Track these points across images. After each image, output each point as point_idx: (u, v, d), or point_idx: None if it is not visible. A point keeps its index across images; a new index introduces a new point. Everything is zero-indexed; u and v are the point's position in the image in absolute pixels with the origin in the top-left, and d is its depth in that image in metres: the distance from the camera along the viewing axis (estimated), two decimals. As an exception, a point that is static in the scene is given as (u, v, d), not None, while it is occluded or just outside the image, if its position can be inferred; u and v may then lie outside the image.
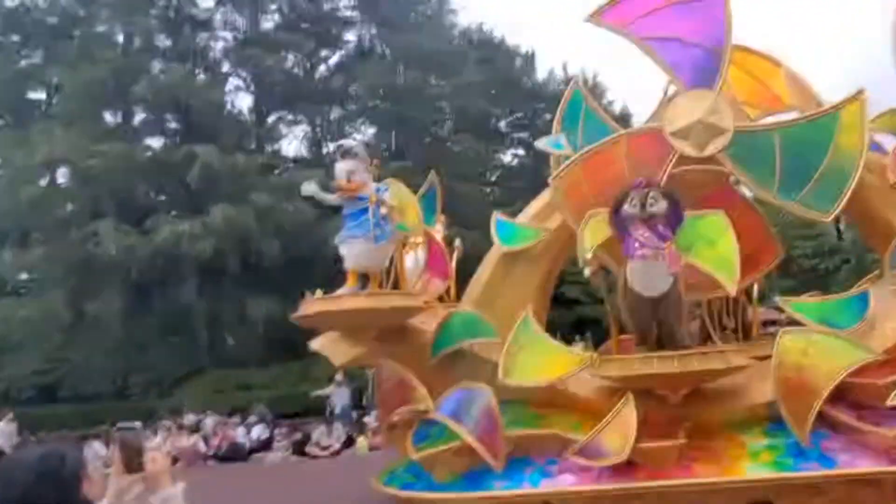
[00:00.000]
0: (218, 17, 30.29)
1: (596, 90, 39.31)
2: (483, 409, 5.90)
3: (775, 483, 5.49)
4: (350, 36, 33.42)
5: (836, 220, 12.86)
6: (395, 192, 6.68)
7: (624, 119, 37.31)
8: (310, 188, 6.75)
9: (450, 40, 33.86)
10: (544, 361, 5.92)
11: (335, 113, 30.97)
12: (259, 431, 19.85)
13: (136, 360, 23.30)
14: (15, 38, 27.00)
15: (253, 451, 19.09)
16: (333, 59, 33.17)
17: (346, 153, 6.56)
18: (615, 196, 5.70)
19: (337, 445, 18.03)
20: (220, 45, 30.25)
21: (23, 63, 27.03)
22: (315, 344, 7.33)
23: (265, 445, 19.09)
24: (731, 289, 5.59)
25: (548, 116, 36.49)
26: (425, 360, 6.51)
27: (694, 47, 6.36)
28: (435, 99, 31.21)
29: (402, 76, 31.04)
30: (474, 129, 32.42)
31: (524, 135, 37.08)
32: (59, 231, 24.24)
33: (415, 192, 29.10)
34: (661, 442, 5.61)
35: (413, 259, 7.60)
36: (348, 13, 33.21)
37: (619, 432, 5.50)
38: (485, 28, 37.74)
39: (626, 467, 5.57)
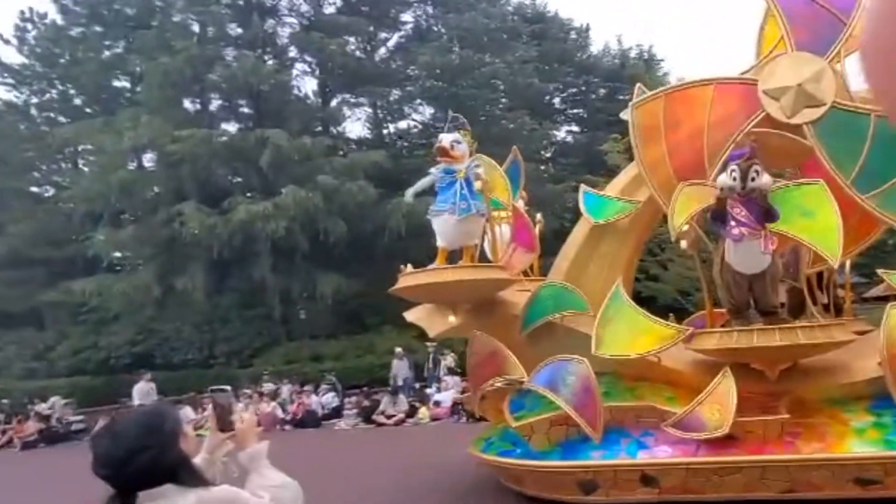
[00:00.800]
0: (283, 2, 31.14)
1: (651, 62, 38.88)
2: (581, 380, 5.83)
3: (885, 461, 5.23)
4: (407, 17, 33.81)
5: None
6: (486, 168, 6.92)
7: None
8: (409, 193, 7.32)
9: (503, 17, 33.81)
10: (636, 334, 5.84)
11: (394, 94, 31.56)
12: (330, 400, 21.14)
13: (219, 332, 24.77)
14: (98, 28, 28.24)
15: (325, 417, 20.39)
16: (392, 41, 33.74)
17: (457, 125, 6.82)
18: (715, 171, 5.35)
19: (401, 415, 19.13)
20: (286, 30, 31.12)
21: (106, 53, 28.33)
22: (410, 316, 7.60)
23: (336, 413, 20.52)
24: (835, 261, 5.35)
25: (602, 91, 36.46)
26: (515, 332, 6.52)
27: (820, 7, 5.89)
28: (489, 77, 31.27)
29: (458, 55, 31.24)
30: (528, 105, 32.47)
31: (579, 111, 37.03)
32: (147, 212, 25.84)
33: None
34: (764, 416, 5.47)
35: (498, 233, 7.69)
36: (405, -6, 33.62)
37: (719, 406, 5.38)
38: (538, 3, 37.52)
39: (725, 441, 5.46)
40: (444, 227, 6.46)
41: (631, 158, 29.33)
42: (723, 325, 6.16)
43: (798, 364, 5.74)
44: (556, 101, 36.81)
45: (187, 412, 20.87)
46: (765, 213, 5.32)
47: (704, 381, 5.62)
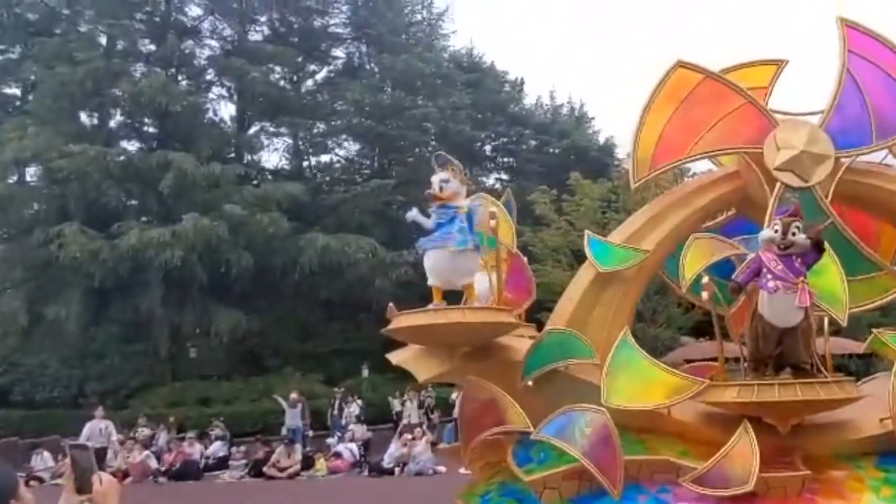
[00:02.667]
0: (206, 25, 30.02)
1: (582, 119, 39.14)
2: (598, 431, 5.62)
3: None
4: (339, 52, 33.36)
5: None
6: (488, 207, 6.70)
7: (608, 148, 37.06)
8: (412, 214, 6.57)
9: (439, 63, 33.58)
10: (647, 384, 5.79)
11: (319, 127, 30.30)
12: (216, 449, 19.17)
13: (92, 368, 22.30)
14: None
15: (208, 468, 18.34)
16: (321, 74, 33.02)
17: (442, 163, 6.37)
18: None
19: (296, 467, 17.32)
20: (205, 52, 29.97)
21: None
22: (395, 358, 7.07)
23: (221, 464, 18.43)
24: (843, 319, 5.89)
25: (532, 143, 36.17)
26: (513, 378, 6.21)
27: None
28: (420, 119, 30.70)
29: (389, 95, 30.60)
30: (458, 150, 31.60)
31: (509, 160, 36.75)
32: (22, 231, 23.35)
33: (391, 209, 28.01)
34: (786, 472, 5.47)
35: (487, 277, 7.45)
36: (339, 30, 33.05)
37: (740, 461, 5.34)
38: (474, 53, 37.54)
39: (747, 497, 5.37)
40: (437, 262, 6.13)
41: (558, 210, 27.80)
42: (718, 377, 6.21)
43: (805, 419, 5.86)
44: (487, 148, 36.51)
45: (44, 458, 18.04)
46: (804, 261, 5.61)
47: (715, 435, 5.64)
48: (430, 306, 6.19)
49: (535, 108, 38.73)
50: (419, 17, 35.00)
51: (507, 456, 6.12)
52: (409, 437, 18.27)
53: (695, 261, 6.02)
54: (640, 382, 5.77)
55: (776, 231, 5.53)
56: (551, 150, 36.14)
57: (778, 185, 6.31)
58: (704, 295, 6.06)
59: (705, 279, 5.96)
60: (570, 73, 69.35)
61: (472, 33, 56.45)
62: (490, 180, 36.91)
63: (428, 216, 6.49)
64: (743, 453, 5.35)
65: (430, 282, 6.27)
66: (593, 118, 39.09)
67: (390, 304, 6.43)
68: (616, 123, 71.27)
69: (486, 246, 6.65)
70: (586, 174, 27.19)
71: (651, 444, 5.92)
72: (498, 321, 6.24)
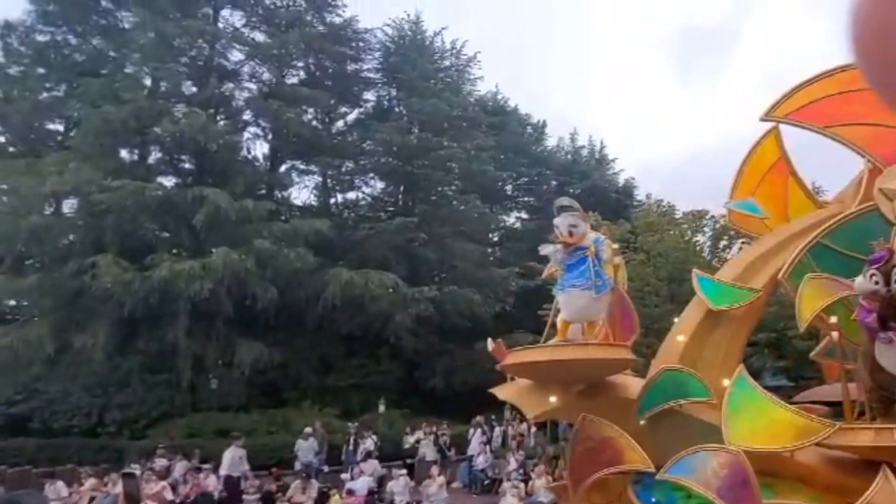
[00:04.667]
0: (246, 69, 29.23)
1: (602, 161, 37.72)
2: (736, 473, 5.10)
3: None
4: (370, 96, 32.63)
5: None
6: (607, 246, 6.38)
7: (628, 189, 35.43)
8: (547, 248, 6.39)
9: (465, 107, 32.66)
10: (772, 425, 5.27)
11: (347, 166, 29.32)
12: None
13: (114, 397, 21.10)
14: (40, 70, 25.79)
15: (222, 501, 16.97)
16: (352, 116, 32.23)
17: (565, 208, 6.16)
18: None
19: (309, 503, 15.65)
20: (244, 94, 29.16)
21: (44, 95, 25.76)
22: (502, 393, 6.77)
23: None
24: None
25: (553, 183, 34.79)
26: (625, 416, 5.88)
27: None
28: (445, 160, 29.69)
29: (416, 136, 29.65)
30: (481, 190, 30.86)
31: (530, 199, 35.49)
32: (56, 261, 22.45)
33: (413, 245, 25.97)
34: None
35: None
36: (371, 75, 32.22)
37: None
38: (499, 97, 36.55)
39: None
40: (577, 302, 5.94)
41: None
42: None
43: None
44: (509, 188, 35.32)
45: (58, 488, 16.73)
46: None
47: (842, 480, 5.14)
48: (553, 342, 6.01)
49: (557, 150, 37.72)
50: (447, 63, 34.08)
51: (614, 496, 5.77)
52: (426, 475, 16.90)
53: (811, 300, 5.49)
54: (765, 423, 5.25)
55: (876, 283, 4.88)
56: (572, 191, 34.70)
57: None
58: (835, 335, 5.49)
59: (833, 319, 5.42)
60: (591, 116, 68.18)
61: (497, 78, 55.81)
62: (511, 219, 35.81)
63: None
64: (885, 501, 4.78)
65: (563, 318, 6.04)
66: (614, 160, 37.79)
67: (498, 340, 6.31)
68: (636, 164, 69.95)
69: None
70: (606, 215, 25.68)
71: (779, 489, 5.35)
72: (621, 357, 5.97)
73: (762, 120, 6.37)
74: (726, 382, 5.59)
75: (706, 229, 25.99)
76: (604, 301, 6.02)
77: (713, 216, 25.15)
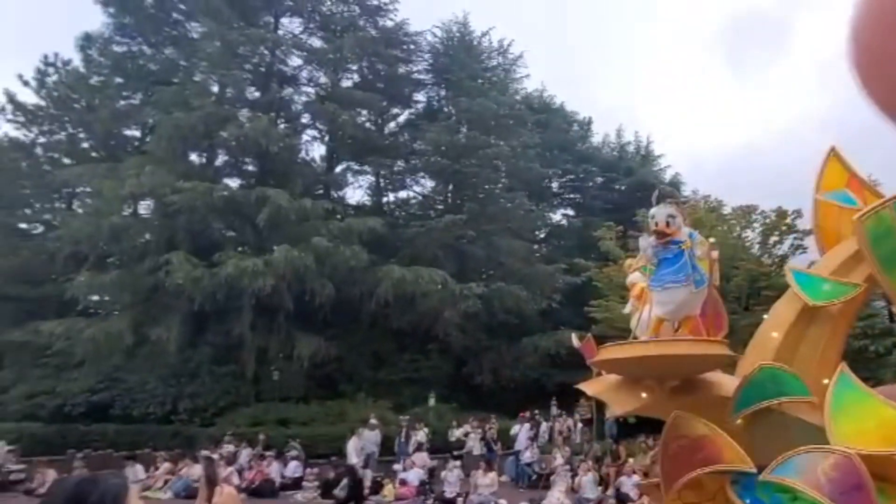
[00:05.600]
0: (304, 74, 29.71)
1: (648, 157, 36.72)
2: (849, 476, 4.73)
3: None
4: (420, 97, 32.61)
5: (889, 301, 10.72)
6: (702, 241, 6.03)
7: (674, 185, 34.37)
8: (645, 241, 5.98)
9: (512, 105, 32.19)
10: (884, 427, 4.85)
11: (398, 166, 29.38)
12: (294, 469, 18.23)
13: (186, 387, 21.88)
14: (119, 79, 26.70)
15: (284, 487, 17.43)
16: (403, 117, 32.30)
17: (665, 197, 5.71)
18: None
19: (365, 492, 16.02)
20: (302, 98, 29.62)
21: (122, 103, 26.66)
22: (589, 389, 6.43)
23: (296, 484, 17.58)
24: None
25: (599, 180, 34.09)
26: (719, 414, 5.53)
27: None
28: (492, 158, 29.45)
29: (464, 135, 29.50)
30: (527, 187, 30.54)
31: (576, 196, 34.85)
32: (134, 258, 23.34)
33: (462, 242, 25.91)
34: None
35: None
36: (421, 76, 32.16)
37: None
38: (545, 95, 35.89)
39: None
40: (675, 298, 5.63)
41: (623, 246, 25.22)
42: None
43: None
44: (555, 185, 34.69)
45: (136, 471, 17.48)
46: None
47: None
48: (655, 337, 5.72)
49: (602, 147, 36.87)
50: (494, 62, 33.72)
51: (708, 496, 5.53)
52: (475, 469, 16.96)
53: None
54: (874, 424, 4.86)
55: None
56: (617, 187, 34.02)
57: None
58: None
59: None
60: (638, 112, 66.42)
61: (543, 77, 54.77)
62: (557, 216, 35.30)
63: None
64: None
65: (659, 314, 5.71)
66: (660, 156, 36.77)
67: (588, 336, 6.13)
68: (679, 162, 67.83)
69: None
70: (652, 211, 25.05)
71: (892, 494, 4.88)
72: (719, 353, 5.65)
73: None
74: (826, 381, 5.25)
75: (755, 225, 25.04)
76: (701, 296, 5.75)
77: (763, 211, 24.23)
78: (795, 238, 24.22)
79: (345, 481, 15.53)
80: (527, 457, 18.81)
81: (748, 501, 5.23)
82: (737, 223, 24.64)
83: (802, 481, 4.84)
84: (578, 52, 71.30)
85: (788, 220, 23.89)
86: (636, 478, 15.48)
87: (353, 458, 17.34)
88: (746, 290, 22.09)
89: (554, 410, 22.26)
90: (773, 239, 24.34)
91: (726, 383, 5.88)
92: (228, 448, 18.73)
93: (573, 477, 16.60)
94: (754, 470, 5.08)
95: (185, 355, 22.04)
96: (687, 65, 75.13)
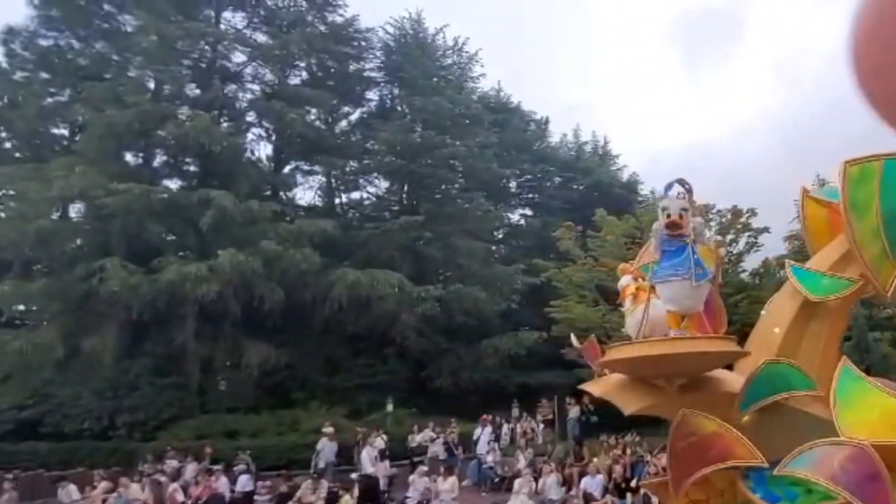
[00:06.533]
0: (248, 70, 29.39)
1: (606, 157, 37.67)
2: (864, 467, 4.87)
3: None
4: (373, 95, 32.73)
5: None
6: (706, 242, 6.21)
7: (632, 185, 35.39)
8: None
9: (468, 104, 32.73)
10: (885, 416, 5.06)
11: (351, 166, 29.36)
12: (244, 483, 17.81)
13: (124, 400, 21.19)
14: (44, 75, 25.79)
15: (234, 502, 17.05)
16: (355, 116, 32.31)
17: (680, 189, 5.86)
18: None
19: (319, 503, 15.77)
20: (247, 96, 29.38)
21: (49, 100, 25.78)
22: (595, 389, 6.55)
23: (247, 498, 17.10)
24: None
25: (557, 180, 34.80)
26: (726, 411, 5.72)
27: None
28: (448, 157, 29.80)
29: (420, 135, 29.71)
30: (485, 187, 30.95)
31: (533, 196, 35.48)
32: (64, 265, 22.57)
33: (419, 244, 26.14)
34: None
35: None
36: (373, 74, 32.30)
37: None
38: (502, 94, 36.52)
39: None
40: (679, 292, 5.80)
41: (582, 246, 25.79)
42: None
43: None
44: (512, 185, 35.34)
45: (70, 491, 16.86)
46: None
47: None
48: (674, 333, 5.85)
49: (560, 147, 37.75)
50: (449, 60, 34.17)
51: (716, 492, 5.74)
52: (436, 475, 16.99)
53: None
54: (880, 415, 5.06)
55: None
56: (575, 187, 34.80)
57: None
58: None
59: None
60: (596, 111, 68.09)
61: (499, 75, 55.74)
62: (515, 216, 35.88)
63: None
64: None
65: (668, 309, 5.89)
66: (617, 156, 37.84)
67: (591, 337, 6.23)
68: (636, 161, 69.80)
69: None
70: (610, 210, 25.79)
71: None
72: (732, 350, 5.87)
73: None
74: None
75: (712, 223, 26.01)
76: (703, 290, 5.90)
77: (719, 210, 25.15)
78: (750, 236, 25.28)
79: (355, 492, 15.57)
80: (489, 460, 18.98)
81: (761, 496, 5.40)
82: (692, 221, 25.55)
83: (819, 474, 5.00)
84: (534, 51, 72.86)
85: (743, 219, 24.93)
86: (599, 477, 15.91)
87: (369, 468, 17.26)
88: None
89: (515, 412, 22.50)
90: (729, 237, 25.27)
91: (731, 379, 6.13)
92: (172, 463, 18.28)
93: (536, 479, 16.82)
94: (766, 465, 5.24)
95: (122, 367, 21.41)
96: (644, 63, 77.63)
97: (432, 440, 19.60)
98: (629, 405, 6.20)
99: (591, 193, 33.13)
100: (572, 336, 6.27)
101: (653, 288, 6.20)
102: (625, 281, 6.63)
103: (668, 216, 5.66)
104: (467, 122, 31.44)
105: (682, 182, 5.91)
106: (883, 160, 5.64)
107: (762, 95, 73.54)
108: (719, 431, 5.48)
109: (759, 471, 5.36)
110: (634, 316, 6.51)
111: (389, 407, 21.84)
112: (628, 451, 18.33)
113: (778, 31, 71.72)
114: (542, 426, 21.87)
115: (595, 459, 17.52)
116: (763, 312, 6.72)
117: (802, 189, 6.73)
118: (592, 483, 15.70)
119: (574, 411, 21.79)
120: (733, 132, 68.40)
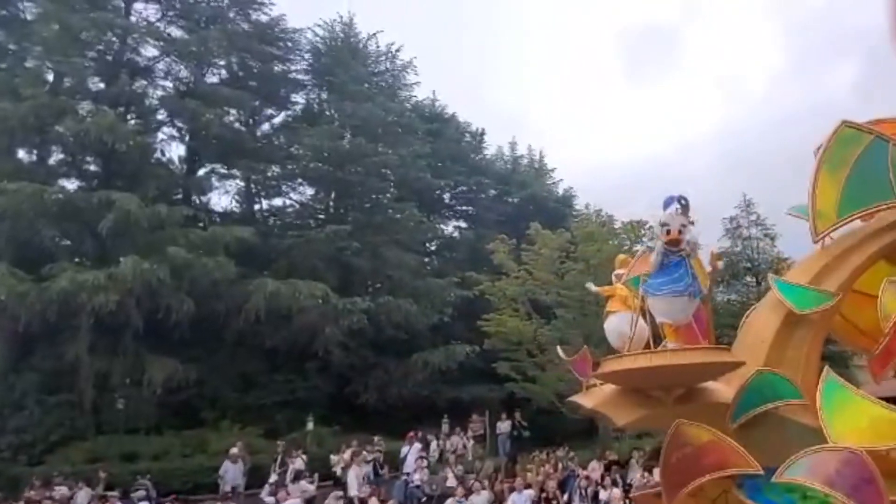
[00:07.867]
0: (161, 66, 28.63)
1: (542, 170, 38.72)
2: (859, 473, 5.15)
3: None
4: (298, 98, 32.53)
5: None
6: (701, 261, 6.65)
7: (567, 199, 36.44)
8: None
9: (401, 112, 33.10)
10: (874, 424, 5.38)
11: (273, 171, 28.94)
12: None
13: (8, 420, 20.03)
14: None
15: None
16: (278, 119, 31.98)
17: (679, 205, 6.16)
18: None
19: None
20: (158, 93, 28.55)
21: None
22: (587, 401, 6.84)
23: None
24: None
25: (492, 192, 35.46)
26: (716, 420, 6.03)
27: None
28: (380, 166, 29.92)
29: (349, 142, 29.73)
30: (417, 198, 31.24)
31: (468, 208, 36.03)
32: (-59, 271, 21.03)
33: (345, 254, 26.05)
34: None
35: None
36: (300, 76, 32.19)
37: None
38: (436, 104, 37.17)
39: None
40: (675, 306, 6.18)
41: (517, 259, 26.46)
42: None
43: None
44: (446, 196, 35.87)
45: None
46: None
47: None
48: (672, 345, 6.30)
49: (496, 159, 38.58)
50: (382, 67, 34.54)
51: (708, 502, 5.96)
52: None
53: (893, 304, 5.87)
54: (866, 422, 5.41)
55: None
56: (510, 200, 35.55)
57: None
58: None
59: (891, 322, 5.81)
60: (533, 126, 69.95)
61: (435, 85, 56.55)
62: (449, 228, 36.34)
63: None
64: None
65: (661, 320, 6.32)
66: (553, 170, 38.99)
67: (584, 349, 6.61)
68: (575, 174, 72.03)
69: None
70: (545, 224, 26.49)
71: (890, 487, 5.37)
72: (730, 361, 6.17)
73: (818, 238, 6.64)
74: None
75: (645, 239, 27.01)
76: (695, 304, 6.24)
77: (651, 226, 26.11)
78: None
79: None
80: (416, 479, 18.80)
81: (762, 503, 5.68)
82: (626, 237, 26.48)
83: (815, 479, 5.29)
84: (472, 63, 74.54)
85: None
86: (527, 493, 16.11)
87: (354, 490, 17.01)
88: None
89: (445, 428, 22.46)
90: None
91: (722, 389, 6.49)
92: (62, 490, 17.31)
93: (466, 496, 16.85)
94: (762, 472, 5.50)
95: (7, 383, 20.28)
96: (586, 78, 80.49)
97: (344, 467, 18.39)
98: (622, 417, 6.51)
99: (525, 206, 33.89)
100: (559, 348, 6.70)
101: (643, 299, 6.55)
102: (616, 278, 7.21)
103: (668, 232, 5.99)
104: (400, 130, 31.72)
105: (680, 199, 6.24)
106: (874, 136, 6.33)
107: (704, 111, 77.73)
108: (714, 440, 5.80)
109: (752, 479, 5.65)
110: (611, 321, 7.19)
111: (310, 425, 21.40)
112: (559, 465, 18.65)
113: (718, 48, 76.10)
114: (472, 442, 21.91)
115: (530, 474, 17.75)
116: (743, 324, 7.15)
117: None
118: (520, 499, 15.90)
119: (505, 426, 22.00)
120: (679, 147, 71.81)
